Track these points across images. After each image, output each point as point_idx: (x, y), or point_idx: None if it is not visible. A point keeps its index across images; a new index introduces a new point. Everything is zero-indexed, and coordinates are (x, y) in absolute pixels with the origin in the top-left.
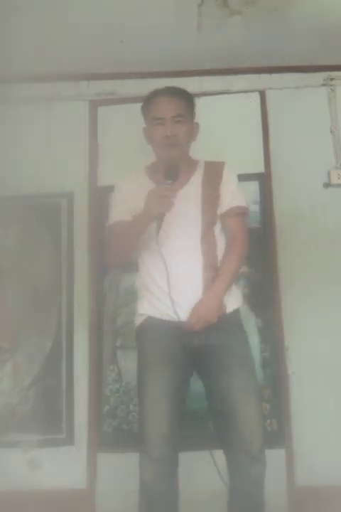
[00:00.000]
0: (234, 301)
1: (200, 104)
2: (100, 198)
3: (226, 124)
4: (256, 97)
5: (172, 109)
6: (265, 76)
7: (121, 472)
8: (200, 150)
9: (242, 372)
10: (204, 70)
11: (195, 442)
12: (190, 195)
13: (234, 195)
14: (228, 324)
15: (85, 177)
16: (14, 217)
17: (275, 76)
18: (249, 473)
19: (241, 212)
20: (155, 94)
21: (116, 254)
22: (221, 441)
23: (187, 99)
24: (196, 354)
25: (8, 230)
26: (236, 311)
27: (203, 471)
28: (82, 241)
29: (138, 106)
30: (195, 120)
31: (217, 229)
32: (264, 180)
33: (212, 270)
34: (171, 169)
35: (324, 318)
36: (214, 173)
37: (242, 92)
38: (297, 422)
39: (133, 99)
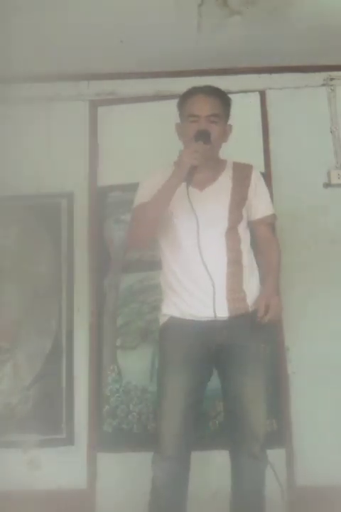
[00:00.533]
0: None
1: None
2: (100, 198)
3: None
4: (256, 97)
5: (208, 109)
6: (265, 76)
7: (121, 472)
8: None
9: (256, 374)
10: (204, 70)
11: (195, 442)
12: (219, 193)
13: (268, 203)
14: (250, 323)
15: (85, 177)
16: (14, 217)
17: (275, 76)
18: (253, 473)
19: (274, 220)
20: (193, 91)
21: (140, 231)
22: (229, 440)
23: (223, 100)
24: (218, 352)
25: (8, 230)
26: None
27: (203, 471)
28: (82, 241)
29: (139, 106)
30: (229, 122)
31: (241, 227)
32: (264, 180)
33: (236, 266)
34: (203, 132)
35: (324, 318)
36: (242, 174)
37: (242, 92)
38: (297, 422)
39: (133, 99)
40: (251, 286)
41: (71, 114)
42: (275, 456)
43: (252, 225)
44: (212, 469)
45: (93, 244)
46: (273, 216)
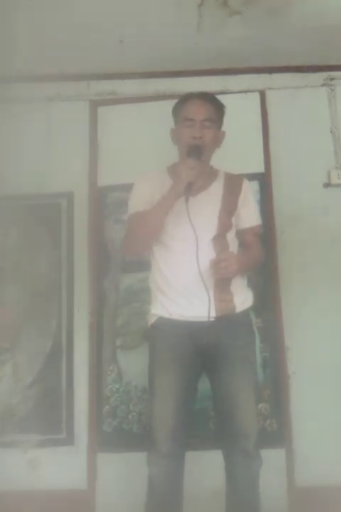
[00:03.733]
0: (244, 301)
1: None
2: (100, 198)
3: (226, 124)
4: (255, 97)
5: (203, 113)
6: (265, 76)
7: (121, 472)
8: None
9: (244, 374)
10: (204, 70)
11: (195, 442)
12: (210, 199)
13: (254, 214)
14: (238, 324)
15: (85, 177)
16: (14, 217)
17: (275, 76)
18: (246, 471)
19: (260, 230)
20: (189, 96)
21: (139, 240)
22: (221, 440)
23: (218, 107)
24: (205, 353)
25: (8, 230)
26: (247, 311)
27: (204, 471)
28: (82, 241)
29: (138, 106)
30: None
31: (230, 235)
32: (264, 180)
33: None
34: (195, 148)
35: (324, 318)
36: (233, 184)
37: (242, 92)
38: (297, 422)
39: (133, 99)
40: (239, 288)
41: (71, 114)
42: (275, 456)
43: (240, 234)
44: (213, 469)
45: (93, 244)
46: (260, 226)
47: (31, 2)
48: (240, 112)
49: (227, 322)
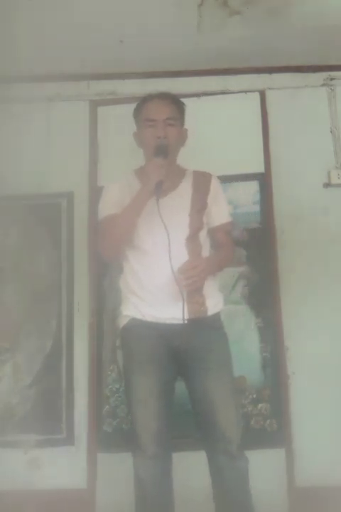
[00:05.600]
0: (216, 304)
1: (200, 104)
2: (100, 198)
3: (226, 124)
4: (255, 97)
5: (164, 112)
6: (265, 76)
7: (121, 472)
8: (200, 151)
9: (220, 375)
10: (204, 70)
11: (192, 442)
12: (180, 200)
13: (224, 211)
14: (209, 327)
15: (85, 177)
16: (14, 217)
17: (275, 76)
18: (230, 472)
19: (230, 228)
20: (148, 98)
21: (113, 243)
22: (202, 442)
23: (178, 105)
24: (178, 356)
25: (8, 230)
26: (217, 315)
27: (200, 471)
28: (82, 241)
29: None
30: (185, 126)
31: (202, 235)
32: (264, 180)
33: None
34: (161, 147)
35: (324, 318)
36: (202, 183)
37: (242, 92)
38: (297, 422)
39: (133, 99)
40: (211, 291)
41: (71, 114)
42: (275, 456)
43: (211, 232)
44: (206, 470)
45: (93, 244)
46: (231, 223)
47: (31, 2)
48: (240, 112)
49: (199, 325)
